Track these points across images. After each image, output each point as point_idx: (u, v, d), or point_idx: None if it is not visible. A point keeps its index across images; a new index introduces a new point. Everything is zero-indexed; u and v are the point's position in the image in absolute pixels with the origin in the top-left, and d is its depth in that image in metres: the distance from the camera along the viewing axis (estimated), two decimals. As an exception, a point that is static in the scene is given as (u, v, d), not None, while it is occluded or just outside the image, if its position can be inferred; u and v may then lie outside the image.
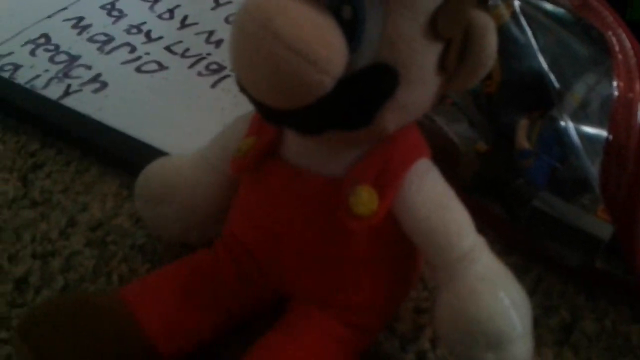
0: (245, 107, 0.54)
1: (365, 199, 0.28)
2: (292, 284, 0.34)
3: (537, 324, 0.37)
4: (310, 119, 0.26)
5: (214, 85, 0.53)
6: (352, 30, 0.24)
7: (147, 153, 0.45)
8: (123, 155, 0.47)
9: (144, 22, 0.62)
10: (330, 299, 0.32)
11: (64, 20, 0.62)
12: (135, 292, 0.33)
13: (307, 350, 0.31)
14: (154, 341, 0.32)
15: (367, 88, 0.26)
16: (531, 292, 0.40)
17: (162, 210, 0.37)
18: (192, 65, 0.56)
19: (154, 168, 0.38)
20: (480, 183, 0.43)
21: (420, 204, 0.29)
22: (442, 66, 0.26)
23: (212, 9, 0.64)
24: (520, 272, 0.41)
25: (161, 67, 0.56)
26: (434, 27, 0.25)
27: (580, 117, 0.40)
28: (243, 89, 0.27)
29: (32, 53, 0.58)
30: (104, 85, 0.53)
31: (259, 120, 0.32)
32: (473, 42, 0.26)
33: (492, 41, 0.27)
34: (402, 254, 0.33)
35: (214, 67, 0.55)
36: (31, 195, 0.45)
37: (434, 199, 0.29)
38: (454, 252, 0.29)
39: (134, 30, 0.60)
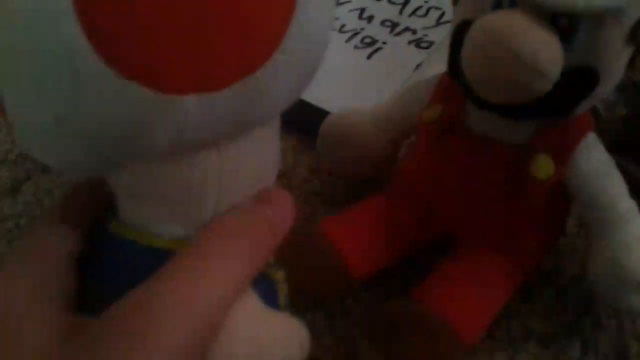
0: (395, 76, 0.60)
1: (544, 166, 0.34)
2: (466, 229, 0.40)
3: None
4: (521, 111, 0.32)
5: (369, 57, 0.60)
6: (566, 35, 0.29)
7: (316, 114, 0.52)
8: (296, 117, 0.54)
9: None
10: (499, 243, 0.38)
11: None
12: (332, 228, 0.40)
13: (480, 278, 0.38)
14: (349, 268, 0.39)
15: (574, 88, 0.31)
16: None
17: (340, 154, 0.45)
18: (348, 40, 0.63)
19: (336, 120, 0.46)
20: (620, 145, 0.47)
21: (588, 172, 0.35)
22: (630, 65, 0.31)
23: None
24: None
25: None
26: (634, 36, 0.29)
27: None
28: (464, 83, 0.32)
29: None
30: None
31: (445, 90, 0.38)
32: None
33: None
34: (561, 206, 0.39)
35: (368, 40, 0.62)
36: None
37: (599, 167, 0.35)
38: (612, 212, 0.35)
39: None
